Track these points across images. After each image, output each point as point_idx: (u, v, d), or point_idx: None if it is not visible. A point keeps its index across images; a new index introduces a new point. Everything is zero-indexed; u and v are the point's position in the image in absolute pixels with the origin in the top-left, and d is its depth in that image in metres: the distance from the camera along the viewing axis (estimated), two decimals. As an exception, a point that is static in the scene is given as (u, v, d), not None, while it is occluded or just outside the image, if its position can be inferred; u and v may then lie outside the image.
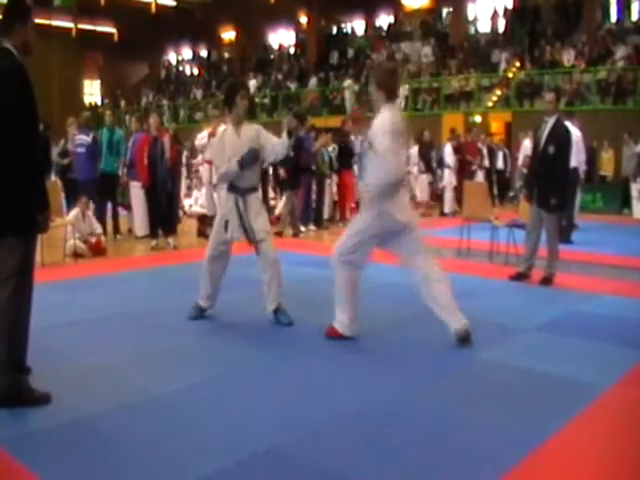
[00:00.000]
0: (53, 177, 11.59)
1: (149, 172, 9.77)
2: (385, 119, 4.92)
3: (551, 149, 7.25)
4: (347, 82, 25.62)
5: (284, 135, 5.63)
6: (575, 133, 10.35)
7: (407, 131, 5.10)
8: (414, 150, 15.60)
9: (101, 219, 10.52)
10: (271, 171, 13.17)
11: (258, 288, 5.92)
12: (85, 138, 10.79)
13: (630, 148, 16.70)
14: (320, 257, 8.35)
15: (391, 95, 5.03)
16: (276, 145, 5.66)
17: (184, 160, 16.82)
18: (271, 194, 14.04)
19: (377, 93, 5.05)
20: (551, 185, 7.25)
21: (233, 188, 5.67)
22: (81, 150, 10.75)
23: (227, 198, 5.75)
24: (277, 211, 12.65)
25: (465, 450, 3.38)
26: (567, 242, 10.21)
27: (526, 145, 16.57)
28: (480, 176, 15.38)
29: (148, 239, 10.31)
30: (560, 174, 7.33)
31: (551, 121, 7.38)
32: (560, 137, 7.34)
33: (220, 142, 5.76)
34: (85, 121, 11.41)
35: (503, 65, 22.46)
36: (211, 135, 11.09)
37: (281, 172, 12.35)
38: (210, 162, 11.59)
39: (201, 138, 11.26)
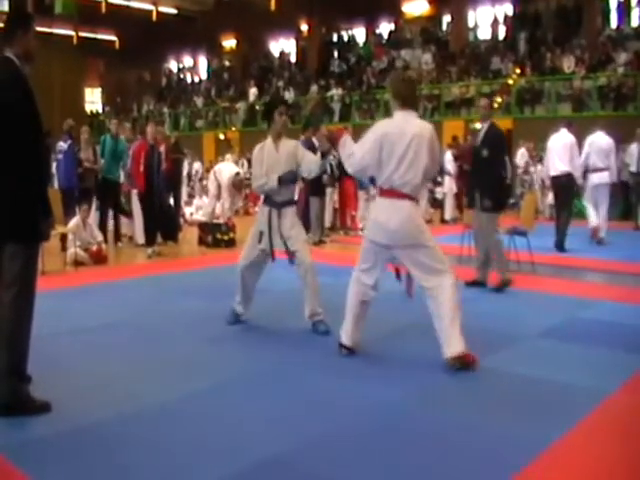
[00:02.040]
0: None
1: (145, 179, 9.78)
2: (376, 125, 4.90)
3: (485, 152, 7.52)
4: (333, 91, 25.75)
5: (319, 155, 5.73)
6: (570, 139, 10.43)
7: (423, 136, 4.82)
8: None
9: (102, 226, 10.57)
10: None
11: (262, 296, 5.94)
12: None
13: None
14: (322, 265, 8.35)
15: (404, 103, 4.89)
16: (312, 163, 5.75)
17: (186, 168, 16.92)
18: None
19: (392, 102, 4.99)
20: (485, 185, 7.51)
21: (269, 201, 5.80)
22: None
23: (262, 211, 5.89)
24: None
25: (467, 457, 3.37)
26: (560, 250, 10.23)
27: (523, 153, 16.64)
28: None
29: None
30: (494, 175, 7.54)
31: (485, 126, 7.72)
32: (493, 140, 7.61)
33: (260, 154, 5.87)
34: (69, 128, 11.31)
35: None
36: None
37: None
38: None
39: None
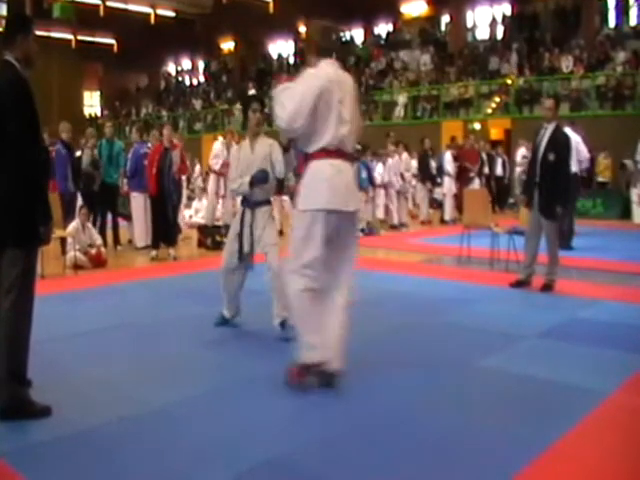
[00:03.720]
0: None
1: (157, 182, 9.75)
2: (310, 75, 4.30)
3: (551, 156, 7.24)
4: None
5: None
6: (575, 139, 10.40)
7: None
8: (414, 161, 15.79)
9: (101, 230, 10.56)
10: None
11: (259, 299, 5.93)
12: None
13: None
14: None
15: (319, 52, 4.51)
16: (281, 163, 5.70)
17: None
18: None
19: (309, 57, 4.63)
20: (554, 192, 7.25)
21: (245, 202, 5.78)
22: None
23: (238, 211, 5.90)
24: None
25: (467, 458, 3.37)
26: (568, 248, 10.22)
27: (523, 153, 16.63)
28: (477, 183, 15.42)
29: (148, 250, 10.31)
30: (562, 181, 7.34)
31: (550, 128, 7.38)
32: (560, 144, 7.34)
33: (236, 154, 5.89)
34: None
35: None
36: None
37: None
38: (217, 173, 12.04)
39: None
